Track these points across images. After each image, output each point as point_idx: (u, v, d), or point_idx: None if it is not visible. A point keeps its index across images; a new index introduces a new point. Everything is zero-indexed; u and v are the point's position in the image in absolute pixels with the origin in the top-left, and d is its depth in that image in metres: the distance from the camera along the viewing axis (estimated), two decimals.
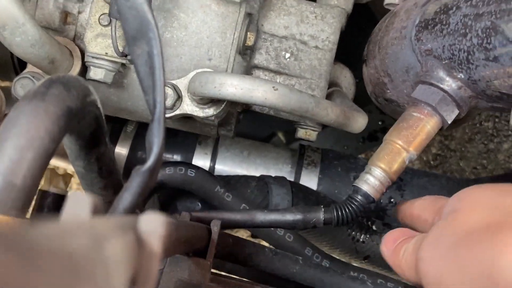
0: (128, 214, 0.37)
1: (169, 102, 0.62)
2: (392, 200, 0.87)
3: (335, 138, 1.23)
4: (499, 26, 0.51)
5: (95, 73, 0.61)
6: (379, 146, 0.60)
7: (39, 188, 1.01)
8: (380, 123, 1.21)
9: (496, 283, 0.39)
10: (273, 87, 0.56)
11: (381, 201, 0.86)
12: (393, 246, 0.52)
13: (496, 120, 1.30)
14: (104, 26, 0.61)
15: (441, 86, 0.59)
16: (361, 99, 0.88)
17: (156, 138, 0.36)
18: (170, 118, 0.63)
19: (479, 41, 0.53)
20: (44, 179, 0.92)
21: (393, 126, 0.61)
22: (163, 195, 0.74)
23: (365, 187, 0.58)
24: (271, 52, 0.71)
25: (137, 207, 0.38)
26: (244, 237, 0.62)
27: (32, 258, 0.14)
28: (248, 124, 1.17)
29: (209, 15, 0.65)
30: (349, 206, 0.57)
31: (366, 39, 1.04)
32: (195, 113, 0.63)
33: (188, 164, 0.70)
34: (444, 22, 0.58)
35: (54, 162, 0.93)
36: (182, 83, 0.63)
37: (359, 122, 0.67)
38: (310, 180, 0.86)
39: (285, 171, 0.87)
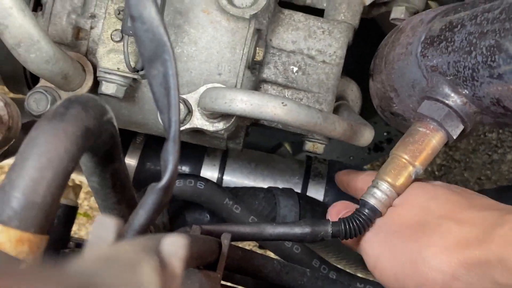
0: (143, 232, 0.38)
1: (181, 116, 0.63)
2: None
3: (341, 149, 1.24)
4: (503, 44, 0.52)
5: (107, 88, 0.63)
6: (386, 161, 0.61)
7: None
8: (385, 134, 1.22)
9: (420, 269, 0.52)
10: (282, 102, 0.57)
11: None
12: (337, 218, 0.60)
13: (500, 131, 1.31)
14: (116, 42, 0.62)
15: (446, 102, 0.60)
16: (367, 111, 0.89)
17: (171, 156, 0.37)
18: (180, 132, 0.65)
19: (484, 59, 0.54)
20: None
21: (400, 141, 0.62)
22: (172, 207, 0.75)
23: (372, 201, 0.59)
24: (279, 66, 0.72)
25: (152, 223, 0.39)
26: (250, 247, 0.63)
27: None
28: (255, 135, 1.18)
29: (219, 30, 0.66)
30: (356, 220, 0.58)
31: (372, 52, 1.05)
32: (205, 127, 0.64)
33: (197, 177, 0.71)
34: (449, 40, 0.59)
35: None
36: (192, 98, 0.64)
37: (365, 136, 0.69)
38: (317, 192, 0.87)
39: (292, 183, 0.88)
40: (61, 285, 0.14)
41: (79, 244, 0.59)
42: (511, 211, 0.52)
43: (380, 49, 0.74)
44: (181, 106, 0.63)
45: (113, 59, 0.62)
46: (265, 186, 0.92)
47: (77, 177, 0.96)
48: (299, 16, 0.74)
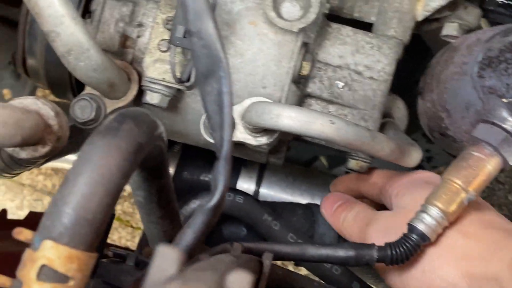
0: (190, 252, 0.36)
1: None
2: None
3: (381, 164, 1.21)
4: None
5: (151, 98, 0.62)
6: (438, 185, 0.59)
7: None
8: (425, 151, 1.18)
9: (428, 276, 0.57)
10: (330, 120, 0.55)
11: None
12: (332, 210, 0.66)
13: None
14: (163, 51, 0.61)
15: (504, 126, 0.57)
16: (408, 127, 0.87)
17: (222, 177, 0.36)
18: None
19: None
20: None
21: (452, 164, 0.59)
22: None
23: (421, 227, 0.56)
24: (325, 81, 0.70)
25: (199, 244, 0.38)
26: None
27: None
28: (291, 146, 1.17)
29: (266, 43, 0.65)
30: (404, 245, 0.56)
31: (416, 67, 1.02)
32: (247, 141, 0.63)
33: (236, 190, 0.70)
34: (509, 61, 0.57)
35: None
36: (236, 111, 0.63)
37: (413, 157, 0.66)
38: None
39: None
40: None
41: (117, 254, 0.58)
42: None
43: (432, 67, 0.71)
44: None
45: (159, 69, 0.61)
46: (303, 201, 0.90)
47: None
48: (347, 30, 0.72)
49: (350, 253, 0.56)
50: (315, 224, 0.78)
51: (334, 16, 0.81)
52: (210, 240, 0.77)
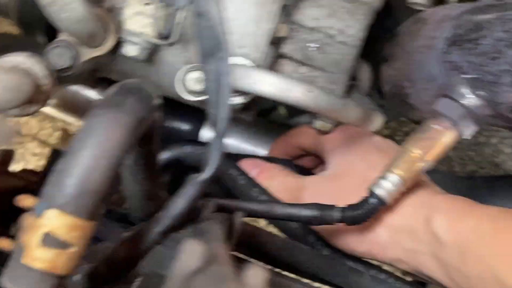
0: (179, 220, 0.39)
1: (197, 87, 0.63)
2: None
3: None
4: None
5: (130, 50, 0.62)
6: (397, 153, 0.63)
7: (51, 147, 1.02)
8: (380, 106, 1.23)
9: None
10: (308, 89, 0.58)
11: None
12: (254, 173, 0.69)
13: None
14: (145, 4, 0.61)
15: (463, 102, 0.62)
16: None
17: (215, 152, 0.38)
18: (196, 102, 0.65)
19: (509, 68, 0.56)
20: (57, 138, 0.93)
21: (411, 135, 0.64)
22: (177, 171, 0.76)
23: (379, 192, 0.61)
24: (299, 43, 0.72)
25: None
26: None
27: None
28: None
29: (246, 2, 0.66)
30: (363, 207, 0.60)
31: (378, 25, 1.05)
32: None
33: (205, 144, 0.72)
34: (475, 42, 0.60)
35: (66, 117, 0.94)
36: None
37: (377, 121, 0.70)
38: None
39: None
40: None
41: None
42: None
43: (399, 36, 0.74)
44: (199, 75, 0.63)
45: (139, 21, 0.61)
46: (264, 152, 0.94)
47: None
48: None
49: (315, 212, 0.60)
50: None
51: None
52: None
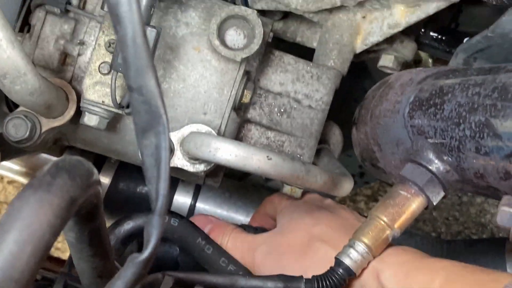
0: None
1: None
2: None
3: None
4: (493, 123, 0.53)
5: (89, 119, 0.61)
6: (365, 221, 0.61)
7: None
8: (359, 168, 1.22)
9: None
10: (267, 156, 0.57)
11: None
12: (207, 230, 0.69)
13: None
14: (104, 74, 0.61)
15: (430, 167, 0.60)
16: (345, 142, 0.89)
17: (155, 231, 0.37)
18: None
19: (472, 134, 0.55)
20: None
21: (380, 202, 0.62)
22: (142, 237, 0.74)
23: (347, 261, 0.58)
24: (265, 107, 0.72)
25: None
26: None
27: None
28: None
29: (209, 70, 0.65)
30: (330, 279, 0.58)
31: (356, 86, 1.05)
32: (185, 168, 0.63)
33: (172, 213, 0.70)
34: (438, 106, 0.60)
35: None
36: (175, 137, 0.63)
37: (345, 187, 0.69)
38: None
39: None
40: None
41: (46, 278, 0.58)
42: None
43: (367, 100, 0.74)
44: None
45: (98, 91, 0.61)
46: (239, 217, 0.92)
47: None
48: (289, 58, 0.73)
49: (279, 285, 0.58)
50: None
51: (277, 39, 0.83)
52: None
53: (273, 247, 0.65)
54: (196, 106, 0.65)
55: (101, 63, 0.61)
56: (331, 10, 0.75)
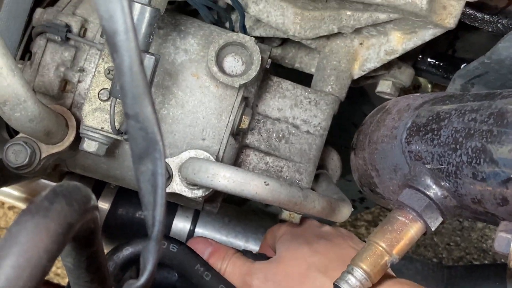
0: None
1: None
2: None
3: None
4: (489, 149, 0.53)
5: (88, 145, 0.62)
6: (363, 246, 0.61)
7: None
8: (359, 193, 1.22)
9: None
10: (265, 182, 0.57)
11: None
12: (204, 256, 0.70)
13: None
14: (103, 101, 0.61)
15: (427, 193, 0.60)
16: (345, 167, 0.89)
17: (151, 257, 0.37)
18: None
19: (469, 159, 0.55)
20: None
21: (378, 227, 0.62)
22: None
23: (345, 287, 0.58)
24: (263, 133, 0.72)
25: None
26: None
27: None
28: None
29: (207, 96, 0.66)
30: None
31: (355, 111, 1.06)
32: (184, 193, 0.63)
33: (170, 239, 0.70)
34: (435, 132, 0.60)
35: None
36: (173, 162, 0.63)
37: (343, 212, 0.69)
38: None
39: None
40: None
41: None
42: None
43: (365, 126, 0.74)
44: None
45: (98, 117, 0.61)
46: (238, 242, 0.92)
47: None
48: (287, 84, 0.74)
49: None
50: None
51: (275, 64, 0.84)
52: None
53: (270, 275, 0.66)
54: (194, 132, 0.66)
55: (101, 90, 0.61)
56: (328, 37, 0.76)
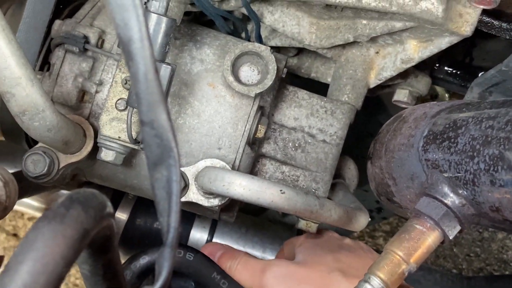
0: None
1: None
2: None
3: None
4: (507, 156, 0.52)
5: (106, 155, 0.62)
6: (380, 255, 0.61)
7: None
8: (376, 203, 1.21)
9: None
10: (281, 190, 0.57)
11: None
12: (215, 258, 0.69)
13: None
14: (120, 110, 0.62)
15: (445, 201, 0.60)
16: (362, 176, 0.89)
17: (166, 263, 0.37)
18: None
19: (486, 167, 0.55)
20: None
21: (395, 236, 0.61)
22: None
23: None
24: (279, 142, 0.72)
25: None
26: None
27: None
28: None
29: (223, 105, 0.66)
30: None
31: (371, 120, 1.05)
32: (200, 202, 0.64)
33: (187, 247, 0.70)
34: (452, 140, 0.60)
35: None
36: (190, 171, 0.64)
37: (360, 221, 0.68)
38: None
39: None
40: None
41: None
42: None
43: (381, 134, 0.74)
44: None
45: (115, 127, 0.62)
46: (255, 252, 0.91)
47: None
48: (303, 93, 0.74)
49: None
50: None
51: (291, 74, 0.84)
52: None
53: (289, 272, 0.65)
54: (210, 141, 0.66)
55: (118, 100, 0.62)
56: (344, 46, 0.76)
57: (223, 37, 0.70)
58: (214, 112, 0.66)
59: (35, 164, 0.61)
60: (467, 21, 0.68)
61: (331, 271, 0.63)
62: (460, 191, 0.59)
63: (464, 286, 0.88)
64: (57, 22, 0.66)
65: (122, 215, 0.90)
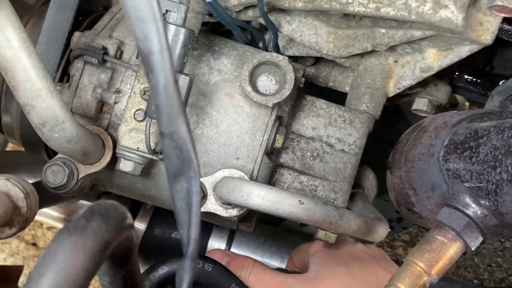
0: None
1: None
2: None
3: None
4: None
5: (124, 165, 0.62)
6: (401, 266, 0.60)
7: None
8: (396, 213, 1.20)
9: None
10: (300, 200, 0.57)
11: None
12: (224, 263, 0.69)
13: None
14: (139, 121, 0.62)
15: (467, 212, 0.59)
16: (381, 186, 0.88)
17: (186, 275, 0.37)
18: None
19: (509, 177, 0.54)
20: None
21: (416, 247, 0.60)
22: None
23: None
24: (297, 152, 0.72)
25: None
26: None
27: None
28: None
29: (241, 115, 0.66)
30: None
31: (391, 129, 1.04)
32: (218, 212, 0.63)
33: (205, 258, 0.70)
34: (474, 150, 0.59)
35: None
36: (208, 182, 0.64)
37: (380, 232, 0.68)
38: None
39: None
40: None
41: None
42: None
43: (401, 144, 0.73)
44: None
45: (133, 138, 0.62)
46: (273, 263, 0.91)
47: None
48: (321, 103, 0.74)
49: None
50: None
51: (309, 83, 0.83)
52: None
53: None
54: (228, 151, 0.66)
55: (136, 111, 0.62)
56: (362, 55, 0.76)
57: (241, 47, 0.70)
58: (232, 122, 0.66)
59: (54, 175, 0.61)
60: (487, 30, 0.68)
61: (348, 286, 0.64)
62: (482, 202, 0.58)
63: None
64: (76, 34, 0.67)
65: (140, 225, 0.90)
